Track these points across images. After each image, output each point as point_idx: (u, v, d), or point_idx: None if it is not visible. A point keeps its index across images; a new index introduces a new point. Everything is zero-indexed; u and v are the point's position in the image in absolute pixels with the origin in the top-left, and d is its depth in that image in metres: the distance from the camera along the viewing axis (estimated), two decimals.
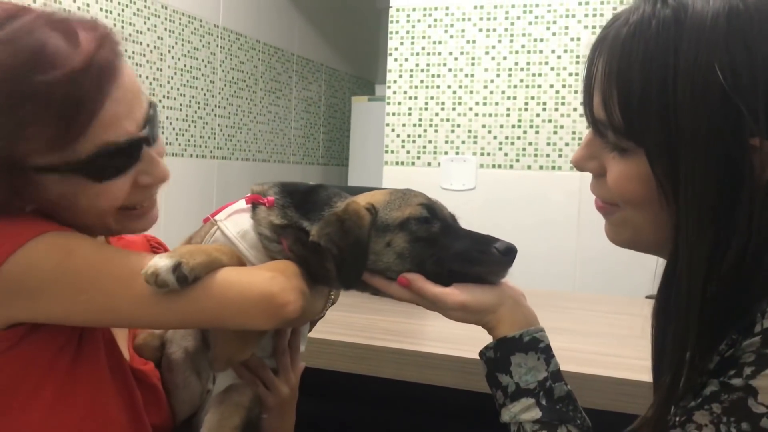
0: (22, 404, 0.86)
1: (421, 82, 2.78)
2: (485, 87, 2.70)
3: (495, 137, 2.69)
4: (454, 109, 2.74)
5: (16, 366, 0.86)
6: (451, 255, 0.95)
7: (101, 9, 2.34)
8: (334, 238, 0.93)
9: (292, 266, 0.95)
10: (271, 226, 0.99)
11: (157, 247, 1.17)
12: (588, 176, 0.87)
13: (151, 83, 2.58)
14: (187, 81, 2.80)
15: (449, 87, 2.74)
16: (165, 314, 0.87)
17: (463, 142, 2.73)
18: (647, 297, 1.44)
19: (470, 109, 2.72)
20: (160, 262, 0.84)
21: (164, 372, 1.07)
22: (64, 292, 0.85)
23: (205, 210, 1.04)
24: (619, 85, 0.76)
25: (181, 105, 2.76)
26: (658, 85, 0.73)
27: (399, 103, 2.81)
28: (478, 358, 0.96)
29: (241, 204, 1.03)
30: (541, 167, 2.64)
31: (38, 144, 0.82)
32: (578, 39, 2.58)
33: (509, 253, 0.94)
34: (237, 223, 1.00)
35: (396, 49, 2.80)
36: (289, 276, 0.92)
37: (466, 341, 1.03)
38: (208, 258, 0.89)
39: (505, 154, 2.68)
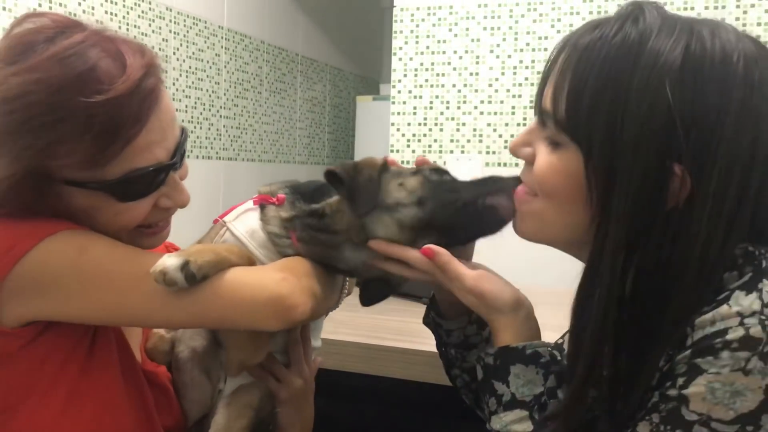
0: (35, 403, 0.87)
1: (426, 81, 2.78)
2: (490, 85, 2.70)
3: (500, 135, 2.69)
4: (459, 107, 2.74)
5: (31, 364, 0.87)
6: (464, 187, 0.98)
7: (106, 12, 2.34)
8: (349, 170, 0.96)
9: (303, 264, 0.96)
10: (280, 221, 1.00)
11: None
12: None
13: None
14: (192, 83, 2.80)
15: (454, 86, 2.74)
16: (175, 313, 0.88)
17: (469, 141, 2.73)
18: None
19: (475, 107, 2.72)
20: (169, 261, 0.85)
21: (173, 372, 1.07)
22: (77, 289, 0.86)
23: (212, 211, 1.05)
24: (573, 81, 0.80)
25: (186, 107, 2.77)
26: (611, 91, 0.77)
27: (404, 103, 2.81)
28: None
29: (249, 205, 1.04)
30: None
31: (71, 161, 0.84)
32: None
33: (520, 181, 0.95)
34: (245, 222, 1.02)
35: (400, 48, 2.80)
36: (300, 276, 0.93)
37: None
38: (217, 257, 0.89)
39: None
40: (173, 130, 0.93)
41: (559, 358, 1.09)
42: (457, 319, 1.07)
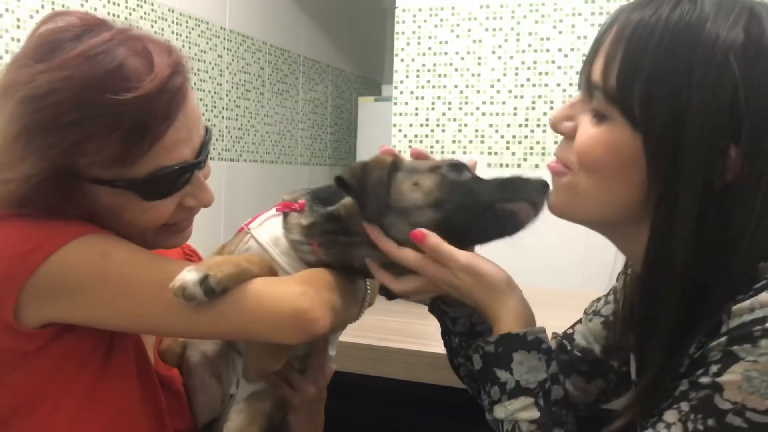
0: (51, 406, 0.87)
1: (428, 81, 2.78)
2: (492, 86, 2.70)
3: (502, 136, 2.69)
4: (461, 108, 2.74)
5: (47, 366, 0.87)
6: (486, 188, 0.94)
7: (108, 13, 2.35)
8: (357, 174, 0.95)
9: (324, 276, 0.95)
10: (301, 229, 1.00)
11: (190, 255, 1.18)
12: None
13: None
14: (195, 84, 2.81)
15: (456, 87, 2.74)
16: (195, 325, 0.88)
17: (471, 142, 2.73)
18: None
19: (477, 108, 2.72)
20: (188, 276, 0.84)
21: (183, 375, 1.07)
22: (98, 295, 0.86)
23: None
24: (625, 55, 0.79)
25: None
26: (672, 67, 0.76)
27: (406, 104, 2.81)
28: None
29: (272, 212, 1.04)
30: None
31: (98, 159, 0.84)
32: (585, 37, 2.58)
33: (545, 185, 0.93)
34: (269, 230, 1.01)
35: (402, 49, 2.80)
36: (320, 289, 0.92)
37: None
38: (237, 269, 0.89)
39: (513, 153, 2.68)
40: (198, 129, 0.93)
41: (569, 348, 1.09)
42: (464, 307, 1.05)
